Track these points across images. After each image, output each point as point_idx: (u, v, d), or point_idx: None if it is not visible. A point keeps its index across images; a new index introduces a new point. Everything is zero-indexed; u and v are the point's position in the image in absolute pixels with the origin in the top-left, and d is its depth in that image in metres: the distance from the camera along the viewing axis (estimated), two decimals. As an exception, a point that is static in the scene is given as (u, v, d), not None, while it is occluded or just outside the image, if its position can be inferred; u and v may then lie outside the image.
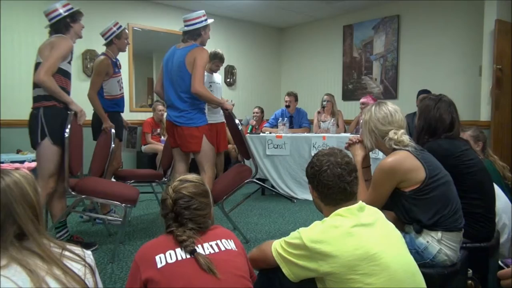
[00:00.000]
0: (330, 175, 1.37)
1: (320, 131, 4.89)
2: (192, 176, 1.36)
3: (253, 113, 5.91)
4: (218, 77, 4.47)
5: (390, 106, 1.79)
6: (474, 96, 4.97)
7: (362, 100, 4.95)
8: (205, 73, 4.11)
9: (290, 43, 7.38)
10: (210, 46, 3.09)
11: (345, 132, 5.13)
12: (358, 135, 1.95)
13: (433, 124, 1.98)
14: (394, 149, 1.70)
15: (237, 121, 3.04)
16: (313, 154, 4.52)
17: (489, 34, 4.53)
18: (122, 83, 3.56)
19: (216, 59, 4.29)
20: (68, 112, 2.60)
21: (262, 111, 5.95)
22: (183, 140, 2.93)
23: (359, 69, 6.34)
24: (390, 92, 5.96)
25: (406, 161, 1.63)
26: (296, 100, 5.27)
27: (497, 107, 4.44)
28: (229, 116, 3.11)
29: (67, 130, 2.54)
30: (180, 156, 3.06)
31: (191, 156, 3.13)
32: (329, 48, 6.73)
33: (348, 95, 6.49)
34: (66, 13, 2.70)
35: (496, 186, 2.09)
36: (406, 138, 1.70)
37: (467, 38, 5.12)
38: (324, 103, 5.02)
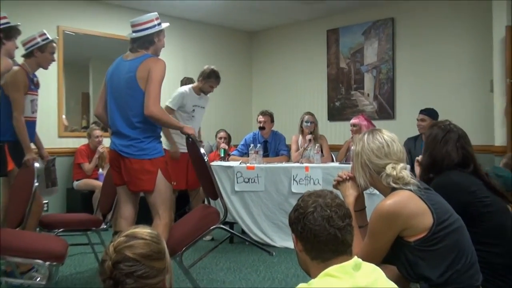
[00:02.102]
0: (317, 218, 1.39)
1: (302, 160, 4.91)
2: (144, 231, 1.33)
3: (218, 138, 5.89)
4: (207, 100, 4.80)
5: (386, 134, 1.85)
6: (486, 116, 5.11)
7: (353, 121, 5.00)
8: (193, 93, 4.63)
9: (262, 51, 7.42)
10: (164, 55, 3.17)
11: (332, 160, 5.17)
12: (349, 167, 2.00)
13: (439, 161, 2.10)
14: (394, 188, 1.74)
15: (202, 151, 3.07)
16: (294, 190, 4.54)
17: (499, 43, 4.73)
18: (37, 105, 3.60)
19: (211, 78, 4.55)
20: None
21: (228, 136, 5.93)
22: (132, 176, 2.92)
23: (347, 83, 6.41)
24: (385, 110, 6.07)
25: (409, 204, 1.67)
26: (272, 121, 5.30)
27: (514, 129, 4.55)
28: (192, 144, 3.13)
29: None
30: (126, 196, 3.04)
31: (141, 195, 3.14)
32: (310, 57, 6.78)
33: (334, 115, 6.54)
34: None
35: None
36: (406, 173, 1.75)
37: (474, 45, 5.32)
38: (307, 124, 5.03)
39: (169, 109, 4.49)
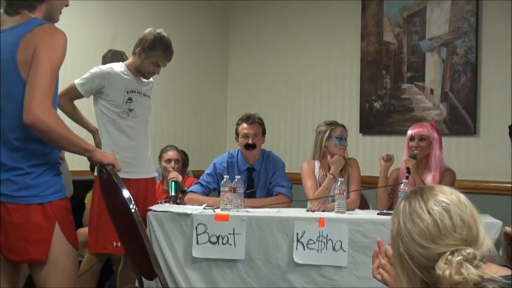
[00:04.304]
0: None
1: (315, 206, 4.42)
2: None
3: (164, 161, 5.48)
4: (151, 85, 4.67)
5: (435, 198, 1.78)
6: None
7: (416, 129, 4.54)
8: (128, 73, 4.48)
9: (245, 14, 7.23)
10: (67, 24, 3.20)
11: (364, 206, 4.80)
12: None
13: None
14: None
15: (126, 194, 2.98)
16: (297, 259, 4.42)
17: None
18: None
19: (157, 49, 4.32)
20: None
21: (185, 156, 5.70)
22: (10, 236, 2.88)
23: (396, 69, 6.08)
24: (462, 120, 5.63)
25: None
26: (264, 133, 4.90)
27: None
28: (108, 180, 3.12)
29: None
30: (3, 271, 3.01)
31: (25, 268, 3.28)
32: (333, 24, 6.51)
33: (371, 124, 6.20)
34: None
35: None
36: (474, 271, 1.65)
37: None
38: (339, 142, 4.68)
39: (77, 92, 4.27)
